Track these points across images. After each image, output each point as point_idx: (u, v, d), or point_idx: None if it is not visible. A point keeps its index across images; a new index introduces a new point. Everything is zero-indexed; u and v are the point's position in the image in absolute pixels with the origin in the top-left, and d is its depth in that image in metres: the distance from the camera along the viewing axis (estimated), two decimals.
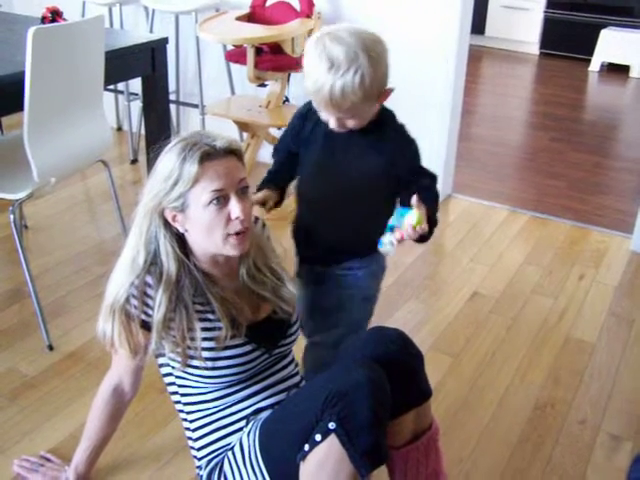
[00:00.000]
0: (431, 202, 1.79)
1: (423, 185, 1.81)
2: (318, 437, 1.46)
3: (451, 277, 3.11)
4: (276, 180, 1.96)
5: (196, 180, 1.51)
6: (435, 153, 3.76)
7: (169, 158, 1.54)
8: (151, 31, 4.12)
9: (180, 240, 1.62)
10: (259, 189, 1.92)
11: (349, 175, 1.81)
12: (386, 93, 1.75)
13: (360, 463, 1.45)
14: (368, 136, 1.78)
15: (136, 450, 2.10)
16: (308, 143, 1.86)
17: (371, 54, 1.64)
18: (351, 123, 1.71)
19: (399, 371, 1.61)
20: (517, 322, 2.80)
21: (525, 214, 3.75)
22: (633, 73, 6.75)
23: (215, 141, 1.54)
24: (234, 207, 1.55)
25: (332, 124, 1.71)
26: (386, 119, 1.82)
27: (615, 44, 6.78)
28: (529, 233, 3.55)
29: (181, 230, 1.60)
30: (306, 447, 1.48)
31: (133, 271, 1.60)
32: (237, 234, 1.57)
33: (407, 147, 1.84)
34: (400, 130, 1.84)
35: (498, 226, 3.59)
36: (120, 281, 1.61)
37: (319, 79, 1.60)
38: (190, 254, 1.64)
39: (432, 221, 1.75)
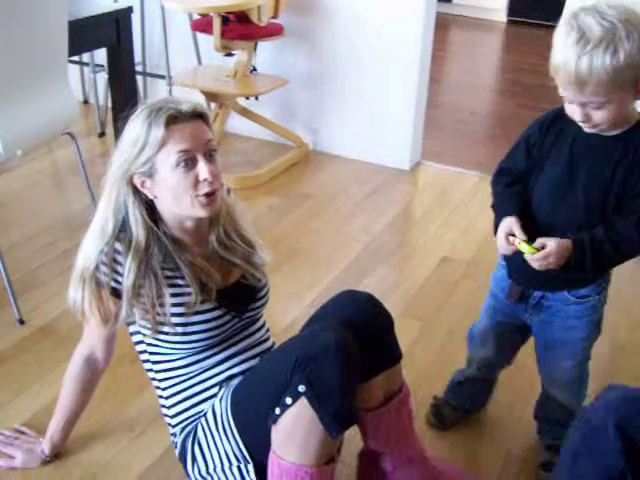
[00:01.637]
0: (588, 244, 1.57)
1: (612, 226, 1.58)
2: (289, 400, 1.48)
3: (421, 243, 3.14)
4: (512, 208, 1.69)
5: (163, 143, 1.52)
6: (403, 120, 3.77)
7: (135, 125, 1.54)
8: (115, 0, 4.07)
9: (149, 207, 1.62)
10: (496, 224, 1.70)
11: (594, 195, 1.59)
12: None
13: (331, 425, 1.47)
14: (618, 144, 1.55)
15: (111, 420, 2.11)
16: (546, 159, 1.65)
17: (633, 30, 1.39)
18: (599, 116, 1.48)
19: (369, 334, 1.63)
20: (487, 287, 2.82)
21: None
22: None
23: (180, 105, 1.54)
24: (202, 169, 1.55)
25: (577, 116, 1.50)
26: None
27: None
28: None
29: (150, 196, 1.60)
30: (277, 411, 1.50)
31: (102, 239, 1.60)
32: (206, 195, 1.57)
33: None
34: None
35: (467, 192, 3.62)
36: (90, 249, 1.62)
37: (565, 52, 1.42)
38: (159, 221, 1.64)
39: (572, 261, 1.59)
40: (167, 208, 1.61)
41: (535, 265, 1.61)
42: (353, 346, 1.53)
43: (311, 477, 1.53)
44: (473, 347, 2.04)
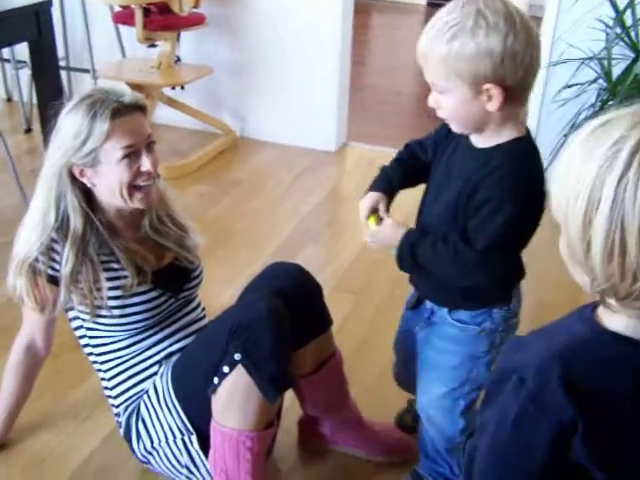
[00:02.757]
0: (418, 248, 1.53)
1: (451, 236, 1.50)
2: (226, 369, 1.55)
3: (349, 221, 3.22)
4: (391, 180, 1.68)
5: (108, 137, 1.55)
6: (327, 103, 3.86)
7: (75, 117, 1.57)
8: None
9: (86, 194, 1.65)
10: (370, 189, 1.68)
11: (449, 204, 1.51)
12: (494, 92, 1.34)
13: (267, 389, 1.55)
14: (480, 157, 1.46)
15: (55, 408, 2.14)
16: (437, 156, 1.60)
17: (483, 27, 1.30)
18: (444, 103, 1.40)
19: (299, 301, 1.71)
20: None
21: None
22: None
23: (122, 97, 1.58)
24: (144, 161, 1.61)
25: (430, 99, 1.43)
26: (512, 145, 1.44)
27: None
28: None
29: (88, 184, 1.63)
30: (215, 380, 1.57)
31: (44, 229, 1.63)
32: (143, 188, 1.63)
33: (503, 176, 1.42)
34: (511, 160, 1.43)
35: None
36: (30, 238, 1.64)
37: (428, 24, 1.38)
38: (96, 208, 1.67)
39: (400, 252, 1.55)
40: (105, 196, 1.65)
41: (366, 237, 1.63)
42: (284, 313, 1.61)
43: (252, 441, 1.60)
44: None
